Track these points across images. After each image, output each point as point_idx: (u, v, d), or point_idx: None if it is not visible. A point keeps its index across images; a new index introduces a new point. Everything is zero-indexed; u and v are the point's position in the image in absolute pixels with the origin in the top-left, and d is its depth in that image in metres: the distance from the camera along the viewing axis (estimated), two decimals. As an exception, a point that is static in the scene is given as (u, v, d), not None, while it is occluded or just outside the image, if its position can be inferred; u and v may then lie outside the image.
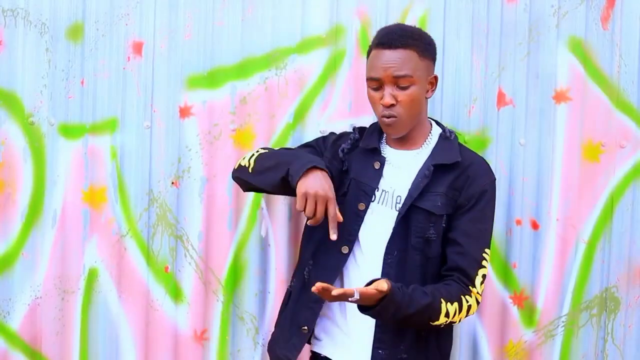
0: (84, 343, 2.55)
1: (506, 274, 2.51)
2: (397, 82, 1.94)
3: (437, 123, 2.15)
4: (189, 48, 2.50)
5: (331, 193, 1.90)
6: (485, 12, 2.49)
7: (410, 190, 1.98)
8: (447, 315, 1.89)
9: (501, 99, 2.50)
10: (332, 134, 2.25)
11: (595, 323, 2.54)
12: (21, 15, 2.50)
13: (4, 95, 2.51)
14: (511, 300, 2.52)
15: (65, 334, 2.55)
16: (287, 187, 1.98)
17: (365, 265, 2.00)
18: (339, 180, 2.05)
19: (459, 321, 1.96)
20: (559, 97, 2.50)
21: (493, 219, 2.08)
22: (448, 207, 1.99)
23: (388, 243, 1.98)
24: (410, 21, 2.48)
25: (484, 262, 1.99)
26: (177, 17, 2.50)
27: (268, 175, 2.03)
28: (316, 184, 1.88)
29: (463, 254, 1.96)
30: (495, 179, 2.09)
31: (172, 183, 2.51)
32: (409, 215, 1.97)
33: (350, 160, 2.08)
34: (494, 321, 2.52)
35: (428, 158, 2.03)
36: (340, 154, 2.08)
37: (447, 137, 2.08)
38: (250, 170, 2.09)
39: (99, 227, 2.52)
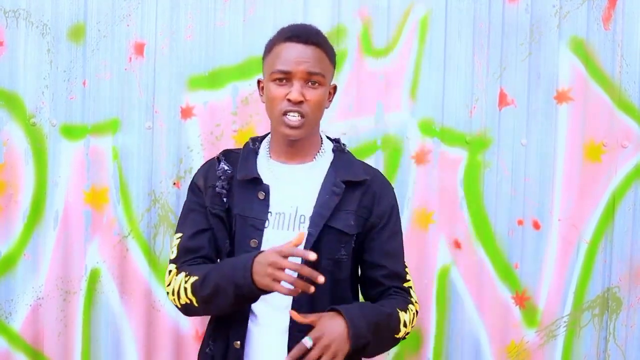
0: (85, 344, 2.55)
1: (508, 274, 2.51)
2: (309, 78, 1.79)
3: (327, 137, 1.98)
4: (191, 48, 2.50)
5: (281, 256, 1.63)
6: (487, 12, 2.49)
7: (318, 208, 1.83)
8: (404, 324, 1.82)
9: (503, 100, 2.50)
10: (194, 178, 1.96)
11: (597, 323, 2.54)
12: (23, 16, 2.51)
13: (6, 96, 2.51)
14: (513, 301, 2.52)
15: (67, 335, 2.55)
16: (248, 300, 1.73)
17: (275, 299, 1.79)
18: (227, 220, 1.87)
19: (409, 332, 1.86)
20: (561, 97, 2.50)
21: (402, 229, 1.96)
22: (359, 227, 1.86)
23: None
24: (412, 21, 2.48)
25: (408, 277, 1.92)
26: (179, 17, 2.50)
27: (218, 303, 1.75)
28: (268, 259, 1.62)
29: (390, 276, 1.88)
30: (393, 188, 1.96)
31: (174, 184, 2.51)
32: (320, 235, 1.81)
33: (230, 196, 1.88)
34: (496, 321, 2.52)
35: (330, 173, 1.87)
36: (223, 192, 1.88)
37: (342, 150, 1.94)
38: (197, 304, 1.80)
39: (101, 227, 2.52)
